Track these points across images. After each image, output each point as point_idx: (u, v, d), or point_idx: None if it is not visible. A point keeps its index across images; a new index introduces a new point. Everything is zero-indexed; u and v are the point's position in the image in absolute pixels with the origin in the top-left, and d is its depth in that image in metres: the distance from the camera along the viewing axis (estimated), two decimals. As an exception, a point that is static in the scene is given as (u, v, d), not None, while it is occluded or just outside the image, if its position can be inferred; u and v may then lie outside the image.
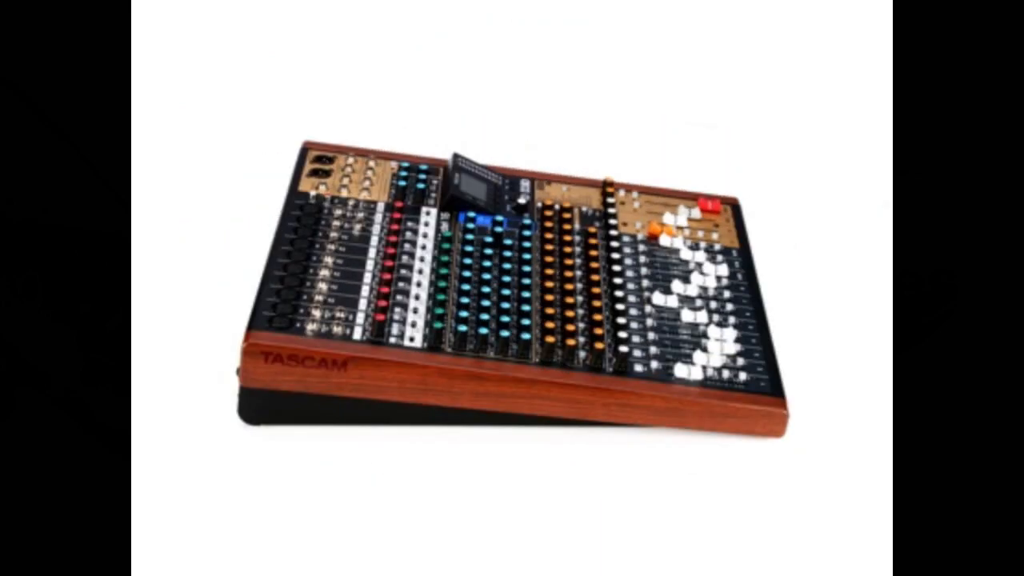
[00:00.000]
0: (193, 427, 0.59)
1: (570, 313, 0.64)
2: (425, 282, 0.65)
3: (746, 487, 0.59)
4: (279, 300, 0.61)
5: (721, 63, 1.00)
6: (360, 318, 0.61)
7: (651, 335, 0.65)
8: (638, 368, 0.62)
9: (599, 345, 0.62)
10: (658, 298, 0.67)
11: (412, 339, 0.60)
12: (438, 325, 0.60)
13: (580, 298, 0.67)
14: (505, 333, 0.61)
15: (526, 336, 0.62)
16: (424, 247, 0.68)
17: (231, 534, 0.53)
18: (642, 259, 0.71)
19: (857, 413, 0.65)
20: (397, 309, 0.63)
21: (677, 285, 0.69)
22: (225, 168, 0.83)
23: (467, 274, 0.66)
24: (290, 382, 0.59)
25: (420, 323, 0.62)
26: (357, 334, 0.60)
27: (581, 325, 0.64)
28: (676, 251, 0.73)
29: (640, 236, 0.73)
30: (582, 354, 0.62)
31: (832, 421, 0.64)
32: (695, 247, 0.73)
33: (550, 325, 0.63)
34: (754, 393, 0.62)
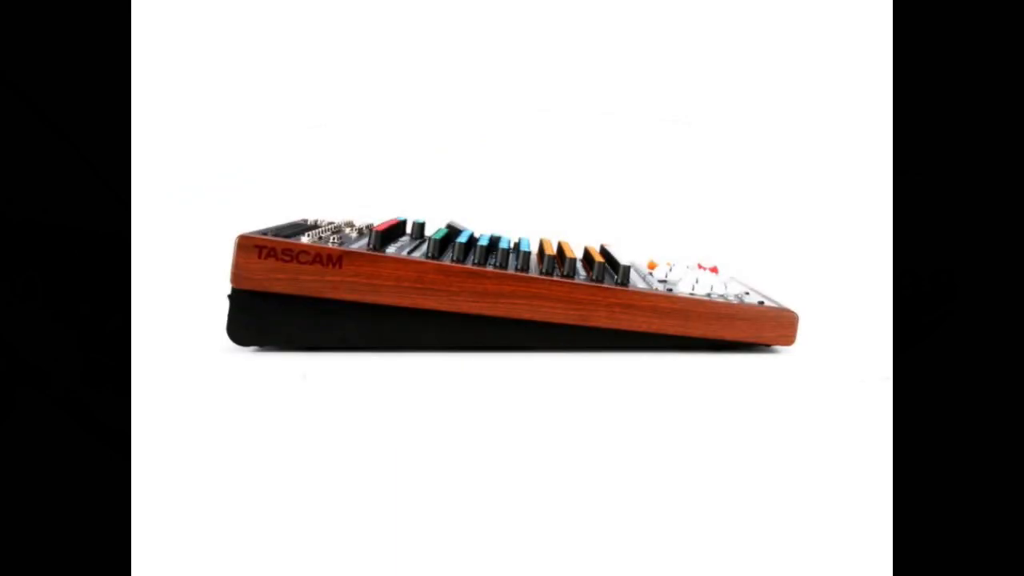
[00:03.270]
0: (193, 427, 0.59)
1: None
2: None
3: (747, 489, 0.59)
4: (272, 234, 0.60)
5: (722, 63, 1.01)
6: (356, 234, 0.60)
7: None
8: (640, 285, 0.61)
9: (599, 258, 0.60)
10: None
11: (412, 253, 0.59)
12: (441, 234, 0.58)
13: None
14: (505, 244, 0.60)
15: (526, 248, 0.60)
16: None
17: (232, 537, 0.53)
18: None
19: (857, 413, 0.65)
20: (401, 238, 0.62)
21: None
22: (223, 168, 0.83)
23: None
24: (283, 281, 0.56)
25: (424, 246, 0.60)
26: (356, 246, 0.59)
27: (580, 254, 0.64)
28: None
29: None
30: (583, 274, 0.61)
31: (832, 420, 0.64)
32: None
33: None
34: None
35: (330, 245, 0.57)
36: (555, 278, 0.57)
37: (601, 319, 0.58)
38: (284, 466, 0.58)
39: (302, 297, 0.57)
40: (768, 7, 1.00)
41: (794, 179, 0.91)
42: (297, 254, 0.56)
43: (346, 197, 1.07)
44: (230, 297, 0.58)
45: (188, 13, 0.95)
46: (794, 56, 1.00)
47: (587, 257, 0.68)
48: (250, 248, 0.54)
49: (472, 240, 0.62)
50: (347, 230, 0.70)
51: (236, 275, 0.55)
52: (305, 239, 0.57)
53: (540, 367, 0.61)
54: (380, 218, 0.81)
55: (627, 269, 0.59)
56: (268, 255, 0.55)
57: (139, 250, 0.70)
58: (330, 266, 0.56)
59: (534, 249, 0.76)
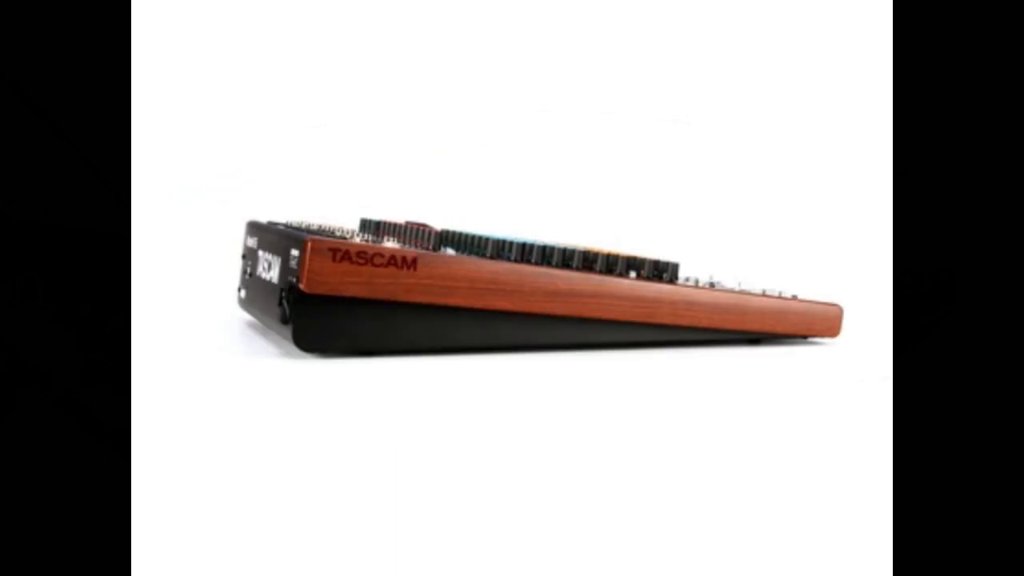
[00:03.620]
0: (193, 428, 0.59)
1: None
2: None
3: (746, 488, 0.59)
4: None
5: (721, 63, 1.01)
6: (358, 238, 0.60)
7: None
8: (689, 282, 0.63)
9: (643, 257, 0.62)
10: None
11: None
12: (494, 237, 0.60)
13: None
14: (558, 247, 0.61)
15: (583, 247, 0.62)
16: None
17: (232, 537, 0.53)
18: None
19: (856, 413, 0.65)
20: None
21: None
22: (223, 168, 0.83)
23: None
24: (357, 284, 0.55)
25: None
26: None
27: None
28: None
29: None
30: (634, 274, 0.62)
31: (832, 420, 0.64)
32: None
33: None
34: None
35: (405, 247, 0.57)
36: (623, 277, 0.59)
37: (666, 316, 0.60)
38: (284, 466, 0.58)
39: (371, 300, 0.56)
40: (768, 7, 1.00)
41: (794, 179, 0.91)
42: (371, 257, 0.55)
43: (346, 197, 1.07)
44: (287, 301, 0.57)
45: (188, 13, 0.95)
46: (794, 56, 1.00)
47: (630, 259, 0.69)
48: (323, 252, 0.53)
49: (526, 244, 0.63)
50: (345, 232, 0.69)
51: (311, 280, 0.54)
52: (388, 242, 0.58)
53: (543, 367, 0.61)
54: (380, 218, 0.81)
55: (676, 267, 0.61)
56: (342, 258, 0.55)
57: (139, 250, 0.70)
58: (404, 268, 0.56)
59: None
